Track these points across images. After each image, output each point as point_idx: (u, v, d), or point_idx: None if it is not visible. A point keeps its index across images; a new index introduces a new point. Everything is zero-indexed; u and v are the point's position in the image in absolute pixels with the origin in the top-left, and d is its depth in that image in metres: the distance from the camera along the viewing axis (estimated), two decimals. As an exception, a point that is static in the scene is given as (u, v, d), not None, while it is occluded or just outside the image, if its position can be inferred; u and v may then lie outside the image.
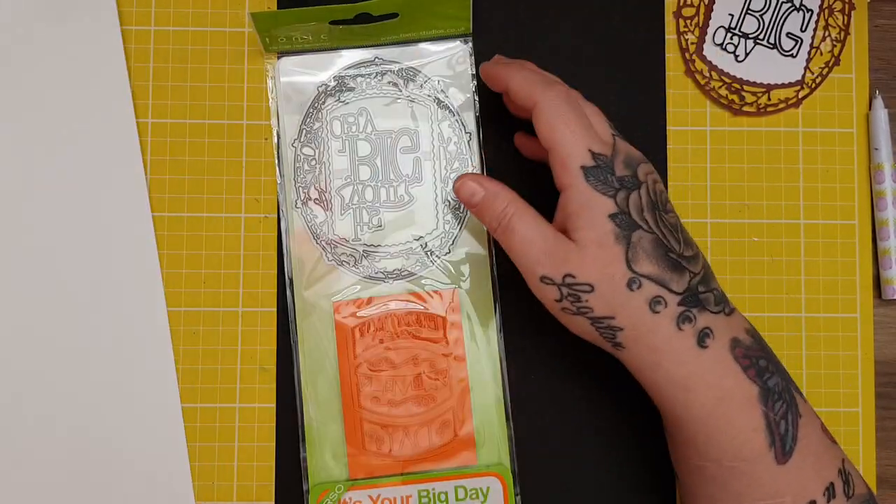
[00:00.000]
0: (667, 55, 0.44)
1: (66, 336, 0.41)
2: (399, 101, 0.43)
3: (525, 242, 0.36)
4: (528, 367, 0.43)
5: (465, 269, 0.42)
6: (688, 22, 0.44)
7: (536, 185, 0.40)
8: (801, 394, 0.36)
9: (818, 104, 0.44)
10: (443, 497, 0.41)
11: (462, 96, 0.43)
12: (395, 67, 0.43)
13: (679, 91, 0.44)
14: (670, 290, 0.34)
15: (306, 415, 0.41)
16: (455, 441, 0.41)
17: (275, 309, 0.43)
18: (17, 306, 0.41)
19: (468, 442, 0.41)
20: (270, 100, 0.43)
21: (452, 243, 0.42)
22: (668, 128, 0.44)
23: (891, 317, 0.44)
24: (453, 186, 0.38)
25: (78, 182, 0.42)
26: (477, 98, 0.43)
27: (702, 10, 0.44)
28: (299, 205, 0.42)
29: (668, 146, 0.44)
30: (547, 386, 0.43)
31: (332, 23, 0.40)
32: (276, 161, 0.42)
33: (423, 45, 0.43)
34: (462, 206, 0.42)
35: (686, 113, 0.44)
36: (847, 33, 0.44)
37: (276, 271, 0.43)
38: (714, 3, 0.44)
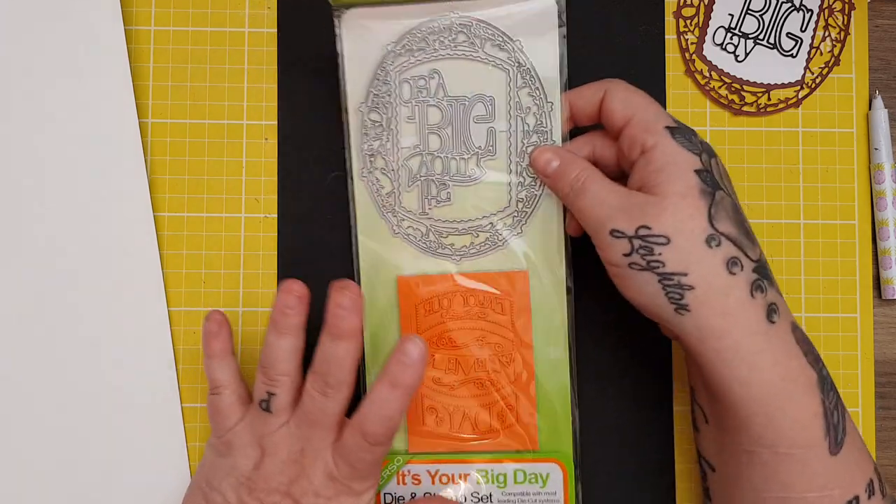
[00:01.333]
0: (667, 55, 0.44)
1: (66, 335, 0.41)
2: (475, 62, 0.39)
3: (597, 200, 0.36)
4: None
5: (537, 251, 0.40)
6: (688, 22, 0.44)
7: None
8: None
9: (818, 104, 0.44)
10: (501, 479, 0.41)
11: (546, 61, 0.39)
12: (473, 24, 0.39)
13: (679, 91, 0.44)
14: (746, 255, 0.34)
15: (368, 386, 0.41)
16: (517, 425, 0.41)
17: (275, 309, 0.43)
18: (19, 305, 0.41)
19: (530, 427, 0.41)
20: (338, 59, 0.40)
21: (525, 223, 0.40)
22: (668, 128, 0.44)
23: (891, 317, 0.44)
24: (530, 159, 0.39)
25: (80, 181, 0.42)
26: (564, 64, 0.39)
27: (702, 10, 0.44)
28: (365, 174, 0.40)
29: (668, 146, 0.44)
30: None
31: None
32: (345, 126, 0.41)
33: (507, 2, 0.39)
34: (537, 183, 0.40)
35: (686, 113, 0.44)
36: (847, 33, 0.44)
37: (276, 271, 0.43)
38: (714, 3, 0.44)
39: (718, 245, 0.34)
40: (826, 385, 0.34)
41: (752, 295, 0.34)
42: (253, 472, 0.37)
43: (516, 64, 0.39)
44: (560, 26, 0.39)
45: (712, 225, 0.34)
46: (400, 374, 0.36)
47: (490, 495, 0.41)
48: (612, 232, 0.35)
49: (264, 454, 0.37)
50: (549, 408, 0.41)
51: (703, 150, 0.35)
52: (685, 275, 0.34)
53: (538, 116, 0.39)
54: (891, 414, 0.44)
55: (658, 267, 0.34)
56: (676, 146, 0.35)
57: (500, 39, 0.39)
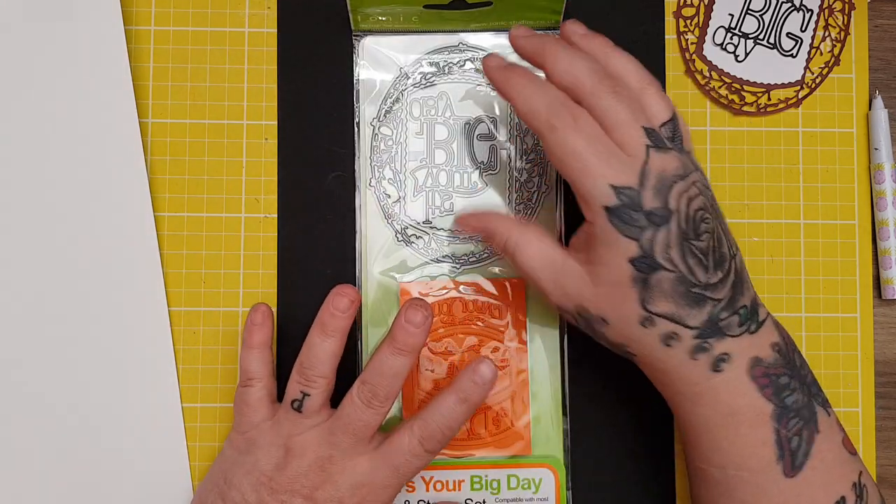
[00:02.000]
0: (667, 55, 0.44)
1: (66, 335, 0.41)
2: (480, 88, 0.43)
3: (533, 273, 0.36)
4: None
5: None
6: (688, 22, 0.44)
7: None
8: (826, 407, 0.35)
9: (818, 104, 0.44)
10: (495, 485, 0.41)
11: None
12: (479, 54, 0.43)
13: (679, 91, 0.44)
14: (686, 326, 0.34)
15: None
16: (511, 430, 0.42)
17: (275, 309, 0.43)
18: (19, 305, 0.41)
19: (524, 432, 0.42)
20: (354, 79, 0.43)
21: None
22: (668, 128, 0.44)
23: (891, 317, 0.44)
24: (453, 224, 0.41)
25: (80, 181, 0.42)
26: None
27: (702, 10, 0.44)
28: (373, 183, 0.43)
29: (668, 146, 0.44)
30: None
31: (426, 7, 0.41)
32: (356, 139, 0.43)
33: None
34: (535, 197, 0.43)
35: (686, 113, 0.44)
36: (847, 33, 0.44)
37: (276, 271, 0.43)
38: (714, 3, 0.44)
39: (653, 325, 0.34)
40: (786, 414, 0.34)
41: (693, 358, 0.34)
42: (275, 473, 0.37)
43: None
44: None
45: (645, 308, 0.33)
46: (471, 392, 0.37)
47: (483, 502, 0.41)
48: (557, 307, 0.36)
49: (289, 455, 0.37)
50: (543, 413, 0.42)
51: (649, 224, 0.32)
52: (627, 346, 0.35)
53: (535, 137, 0.43)
54: (891, 414, 0.44)
55: (602, 338, 0.36)
56: (612, 231, 0.33)
57: None
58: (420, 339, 0.37)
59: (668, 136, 0.34)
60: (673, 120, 0.35)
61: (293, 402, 0.37)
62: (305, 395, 0.37)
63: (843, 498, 0.34)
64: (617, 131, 0.33)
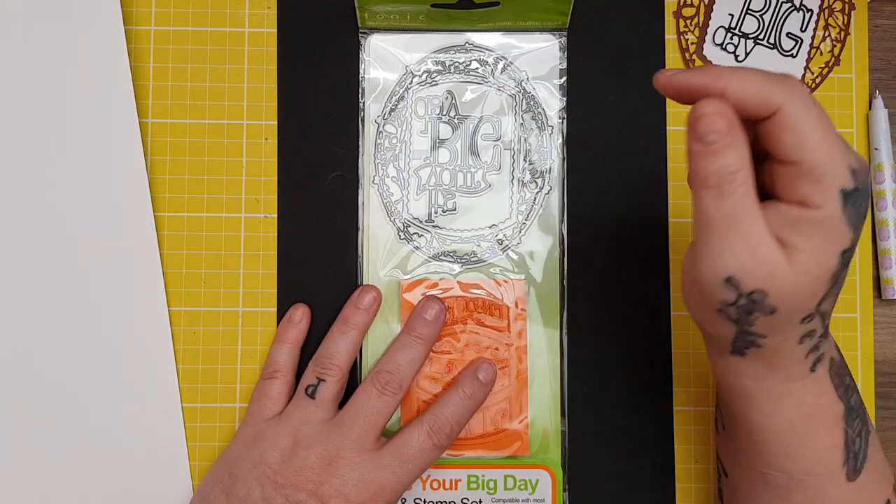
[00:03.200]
0: (667, 55, 0.44)
1: (66, 335, 0.41)
2: (485, 88, 0.43)
3: (736, 232, 0.29)
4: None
5: (535, 261, 0.43)
6: (688, 22, 0.44)
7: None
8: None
9: (818, 104, 0.44)
10: (491, 484, 0.42)
11: (549, 91, 0.43)
12: (485, 55, 0.43)
13: (679, 91, 0.44)
14: (823, 325, 0.32)
15: (362, 379, 0.42)
16: (509, 431, 0.42)
17: (275, 309, 0.43)
18: (19, 305, 0.41)
19: (522, 433, 0.42)
20: (360, 76, 0.43)
21: (524, 234, 0.43)
22: (668, 128, 0.44)
23: (891, 317, 0.44)
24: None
25: (80, 181, 0.42)
26: (564, 94, 0.43)
27: (702, 10, 0.44)
28: (377, 181, 0.43)
29: (668, 146, 0.44)
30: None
31: (434, 6, 0.41)
32: (360, 136, 0.43)
33: (516, 35, 0.43)
34: (536, 199, 0.43)
35: (686, 113, 0.44)
36: (847, 33, 0.44)
37: (276, 271, 0.43)
38: (714, 3, 0.44)
39: (810, 321, 0.31)
40: (852, 414, 0.34)
41: (806, 357, 0.32)
42: (281, 465, 0.37)
43: (522, 91, 0.43)
44: (562, 59, 0.43)
45: (818, 306, 0.31)
46: (475, 389, 0.40)
47: (480, 501, 0.41)
48: (728, 279, 0.30)
49: (297, 446, 0.37)
50: (542, 414, 0.42)
51: (862, 216, 0.30)
52: (765, 337, 0.31)
53: (539, 138, 0.43)
54: (891, 414, 0.44)
55: (745, 325, 0.31)
56: (840, 220, 0.29)
57: (510, 69, 0.43)
58: (434, 329, 0.40)
59: None
60: None
61: (307, 387, 0.39)
62: (321, 380, 0.39)
63: (888, 501, 0.34)
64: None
